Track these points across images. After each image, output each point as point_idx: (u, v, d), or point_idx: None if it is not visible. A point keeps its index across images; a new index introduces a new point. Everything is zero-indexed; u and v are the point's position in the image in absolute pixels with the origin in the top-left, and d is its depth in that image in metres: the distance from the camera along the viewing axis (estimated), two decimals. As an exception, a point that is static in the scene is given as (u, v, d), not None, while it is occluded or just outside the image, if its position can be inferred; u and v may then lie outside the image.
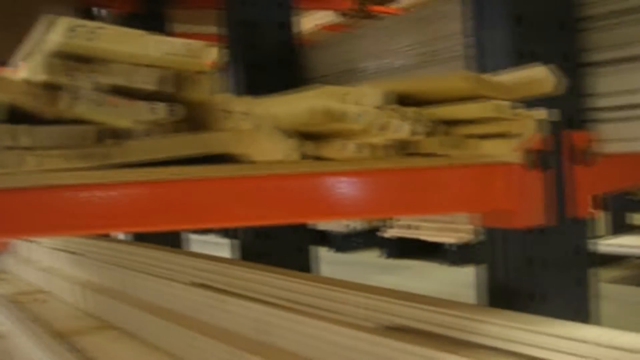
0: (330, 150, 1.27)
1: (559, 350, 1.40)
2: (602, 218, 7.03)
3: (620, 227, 6.85)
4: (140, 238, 3.43)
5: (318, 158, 1.30)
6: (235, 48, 2.75)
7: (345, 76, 2.67)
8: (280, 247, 2.74)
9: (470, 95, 1.34)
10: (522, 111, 1.42)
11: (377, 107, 1.28)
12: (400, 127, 1.25)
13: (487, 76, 1.37)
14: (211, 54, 1.11)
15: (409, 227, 6.94)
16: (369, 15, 5.67)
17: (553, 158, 1.71)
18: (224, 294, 2.45)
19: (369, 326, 1.84)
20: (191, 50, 1.11)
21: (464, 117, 1.36)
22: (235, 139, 1.17)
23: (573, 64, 1.82)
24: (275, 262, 2.62)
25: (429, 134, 1.39)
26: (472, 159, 1.47)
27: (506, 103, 1.34)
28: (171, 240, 3.56)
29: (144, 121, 1.12)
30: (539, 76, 1.37)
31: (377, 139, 1.27)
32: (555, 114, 1.46)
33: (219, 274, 2.57)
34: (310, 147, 1.30)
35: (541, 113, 1.41)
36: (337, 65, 2.73)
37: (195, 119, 1.19)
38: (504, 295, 1.75)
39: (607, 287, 5.75)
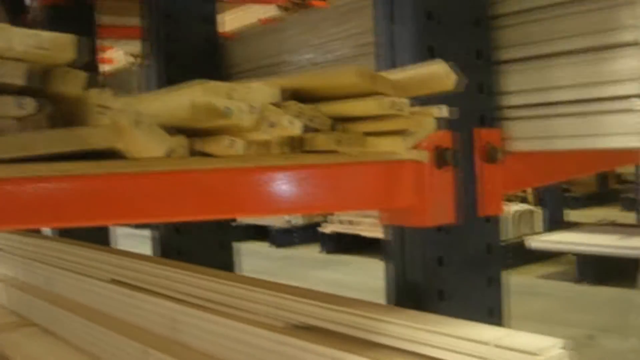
0: (216, 147, 1.22)
1: (458, 351, 1.38)
2: (538, 214, 7.11)
3: (557, 224, 6.93)
4: (66, 233, 3.33)
5: (205, 155, 1.25)
6: (155, 41, 2.67)
7: (269, 70, 2.61)
8: (202, 244, 2.68)
9: (367, 92, 1.30)
10: (420, 108, 1.38)
11: (263, 103, 1.24)
12: (281, 124, 1.20)
13: (383, 72, 1.33)
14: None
15: (348, 222, 6.92)
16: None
17: (459, 156, 1.68)
18: (140, 291, 2.39)
19: (278, 325, 1.80)
20: (59, 44, 1.05)
21: (358, 114, 1.32)
22: (113, 135, 1.11)
23: (486, 62, 1.80)
24: (196, 259, 2.56)
25: (325, 130, 1.35)
26: (370, 156, 1.43)
27: (402, 100, 1.30)
28: (98, 236, 3.46)
29: (11, 116, 1.06)
30: (438, 72, 1.34)
31: (263, 136, 1.23)
32: (454, 112, 1.42)
33: (136, 271, 2.50)
34: (196, 144, 1.25)
35: (439, 110, 1.37)
36: (261, 60, 2.68)
37: (70, 115, 1.13)
38: (414, 294, 1.71)
39: (542, 283, 5.83)
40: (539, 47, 1.75)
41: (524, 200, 8.91)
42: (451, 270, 1.70)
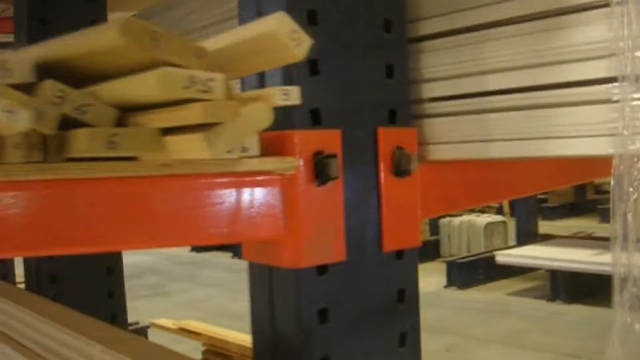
0: None
1: None
2: (512, 226, 6.60)
3: (530, 236, 6.39)
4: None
5: None
6: (26, 25, 2.13)
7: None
8: (80, 269, 2.12)
9: (150, 62, 0.76)
10: (251, 92, 0.85)
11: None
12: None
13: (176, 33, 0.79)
14: None
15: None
16: None
17: (354, 166, 1.15)
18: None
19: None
20: None
21: (141, 99, 0.79)
22: None
23: (399, 37, 1.26)
24: (74, 288, 2.03)
25: (99, 126, 0.82)
26: (183, 167, 0.89)
27: (211, 75, 0.76)
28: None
29: None
30: (276, 33, 0.80)
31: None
32: (295, 96, 0.88)
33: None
34: None
35: (284, 94, 0.84)
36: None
37: None
38: None
39: (512, 301, 5.29)
40: (469, 16, 1.22)
41: (499, 210, 8.41)
42: (340, 327, 1.16)
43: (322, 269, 1.13)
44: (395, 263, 1.23)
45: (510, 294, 5.43)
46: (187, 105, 0.74)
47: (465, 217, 6.82)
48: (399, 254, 1.24)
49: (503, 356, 4.02)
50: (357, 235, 1.17)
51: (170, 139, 0.79)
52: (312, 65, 1.12)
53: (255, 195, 1.04)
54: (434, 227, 7.16)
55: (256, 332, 1.21)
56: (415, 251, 1.27)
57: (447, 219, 6.99)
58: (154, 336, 3.39)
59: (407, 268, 1.25)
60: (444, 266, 5.93)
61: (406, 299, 1.25)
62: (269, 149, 1.09)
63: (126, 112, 0.85)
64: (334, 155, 1.10)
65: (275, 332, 1.17)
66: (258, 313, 1.21)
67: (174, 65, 0.75)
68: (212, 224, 0.99)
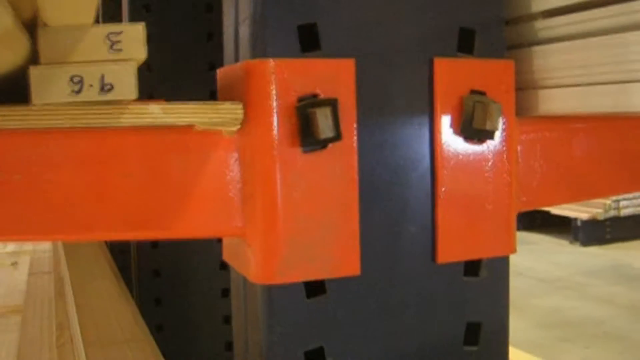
0: None
1: None
2: None
3: None
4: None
5: None
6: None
7: None
8: (193, 262, 1.75)
9: None
10: None
11: None
12: None
13: None
14: None
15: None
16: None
17: (379, 121, 0.68)
18: None
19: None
20: None
21: None
22: None
23: None
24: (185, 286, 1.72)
25: None
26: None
27: None
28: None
29: None
30: None
31: None
32: None
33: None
34: None
35: None
36: None
37: None
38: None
39: None
40: None
41: None
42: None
43: (314, 288, 0.68)
44: (461, 282, 0.74)
45: None
46: None
47: None
48: (471, 267, 0.74)
49: None
50: (385, 237, 0.69)
51: None
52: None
53: (173, 165, 0.61)
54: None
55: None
56: (504, 263, 0.76)
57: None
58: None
59: (485, 289, 0.75)
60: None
61: (482, 339, 0.76)
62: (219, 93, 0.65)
63: None
64: (328, 102, 0.63)
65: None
66: (236, 335, 0.78)
67: None
68: (80, 211, 0.58)
